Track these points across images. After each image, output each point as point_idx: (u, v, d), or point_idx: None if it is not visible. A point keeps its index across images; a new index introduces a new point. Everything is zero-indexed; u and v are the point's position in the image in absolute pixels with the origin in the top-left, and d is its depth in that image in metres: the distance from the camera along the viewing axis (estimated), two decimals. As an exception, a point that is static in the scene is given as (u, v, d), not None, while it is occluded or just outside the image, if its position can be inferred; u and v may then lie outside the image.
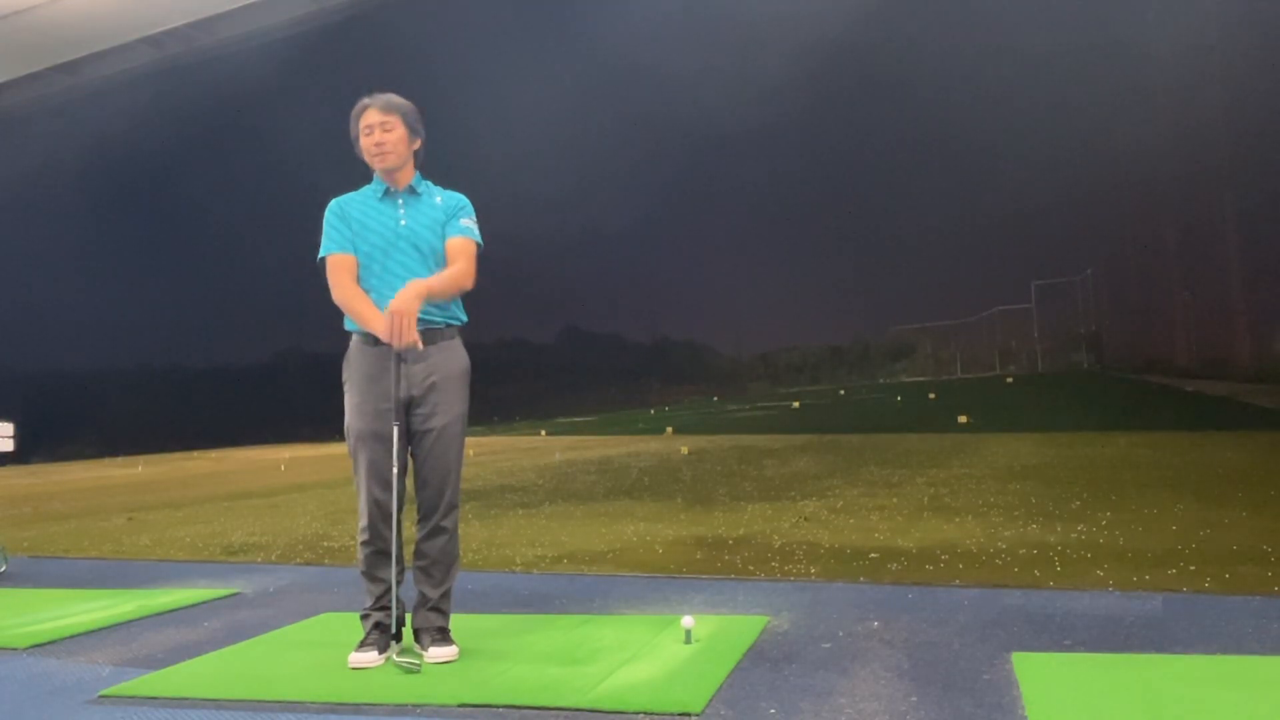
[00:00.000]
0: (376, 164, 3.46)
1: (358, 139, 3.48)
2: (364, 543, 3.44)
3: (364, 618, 3.48)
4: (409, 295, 3.24)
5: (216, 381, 43.96)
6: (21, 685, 3.41)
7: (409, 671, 3.21)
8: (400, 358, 3.33)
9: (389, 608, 3.46)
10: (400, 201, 3.50)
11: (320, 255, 3.45)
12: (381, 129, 3.42)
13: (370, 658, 3.34)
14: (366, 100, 3.47)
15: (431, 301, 3.34)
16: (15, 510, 11.47)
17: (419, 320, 3.27)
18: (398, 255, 3.43)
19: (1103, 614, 3.55)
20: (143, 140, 36.10)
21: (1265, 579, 3.96)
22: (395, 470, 3.33)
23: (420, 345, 3.28)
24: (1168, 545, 4.76)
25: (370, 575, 3.46)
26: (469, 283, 3.47)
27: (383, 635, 3.42)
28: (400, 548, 3.49)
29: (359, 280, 3.44)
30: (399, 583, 3.50)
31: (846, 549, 5.19)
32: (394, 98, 3.49)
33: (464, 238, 3.50)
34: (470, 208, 3.57)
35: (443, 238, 3.49)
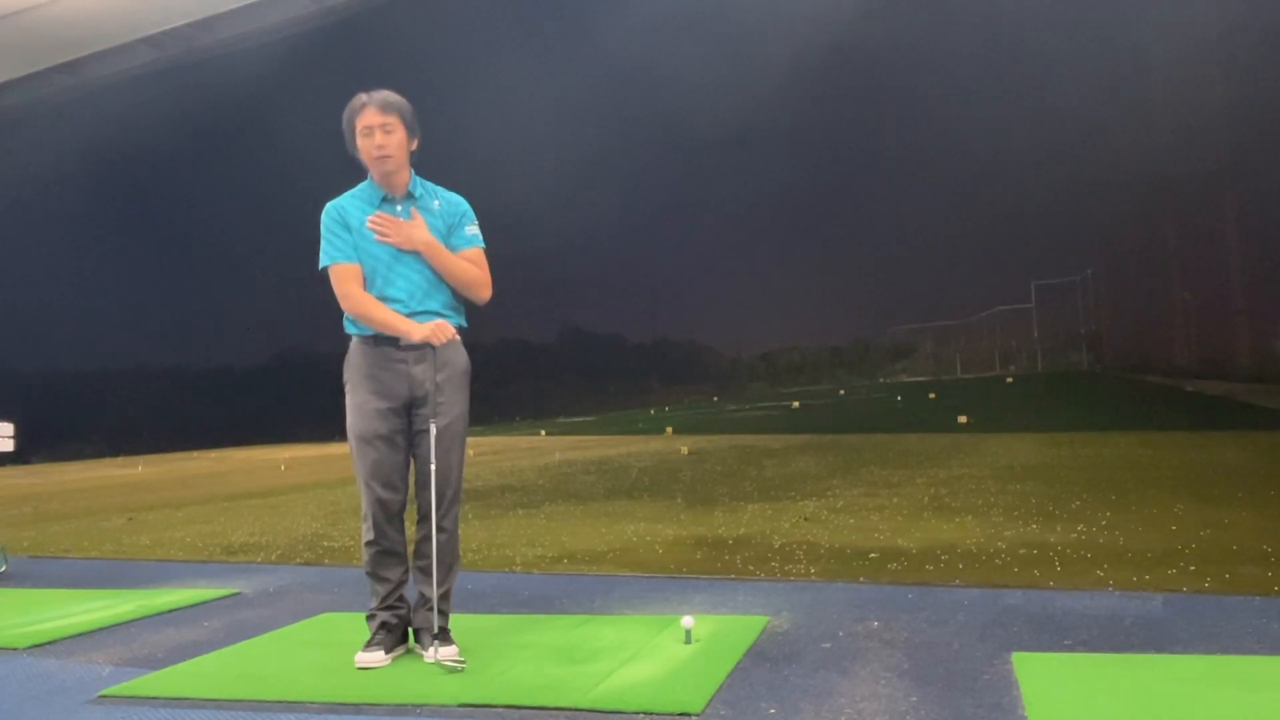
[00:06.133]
0: (378, 167, 3.43)
1: (353, 137, 3.43)
2: (369, 543, 3.44)
3: (370, 618, 3.47)
4: (429, 244, 3.41)
5: (216, 381, 43.99)
6: (21, 685, 3.41)
7: (454, 671, 3.20)
8: (434, 350, 3.37)
9: (395, 607, 3.47)
10: (399, 210, 3.46)
11: (323, 264, 3.43)
12: (382, 131, 3.38)
13: (377, 657, 3.34)
14: (364, 98, 3.42)
15: (440, 268, 3.43)
16: (15, 510, 11.46)
17: (431, 314, 3.43)
18: (399, 267, 3.42)
19: (1103, 614, 3.55)
20: (143, 140, 36.09)
21: (1265, 579, 3.96)
22: (433, 466, 3.36)
23: (458, 335, 3.44)
24: (1168, 545, 4.76)
25: (376, 575, 3.46)
26: (485, 291, 3.54)
27: (389, 635, 3.42)
28: (405, 546, 3.50)
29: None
30: (404, 582, 3.51)
31: (846, 549, 5.19)
32: (391, 96, 3.44)
33: (476, 249, 3.54)
34: (471, 212, 3.58)
35: (445, 245, 3.48)
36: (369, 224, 3.38)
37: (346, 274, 3.40)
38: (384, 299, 3.39)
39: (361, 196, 3.50)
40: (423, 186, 3.55)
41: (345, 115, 3.43)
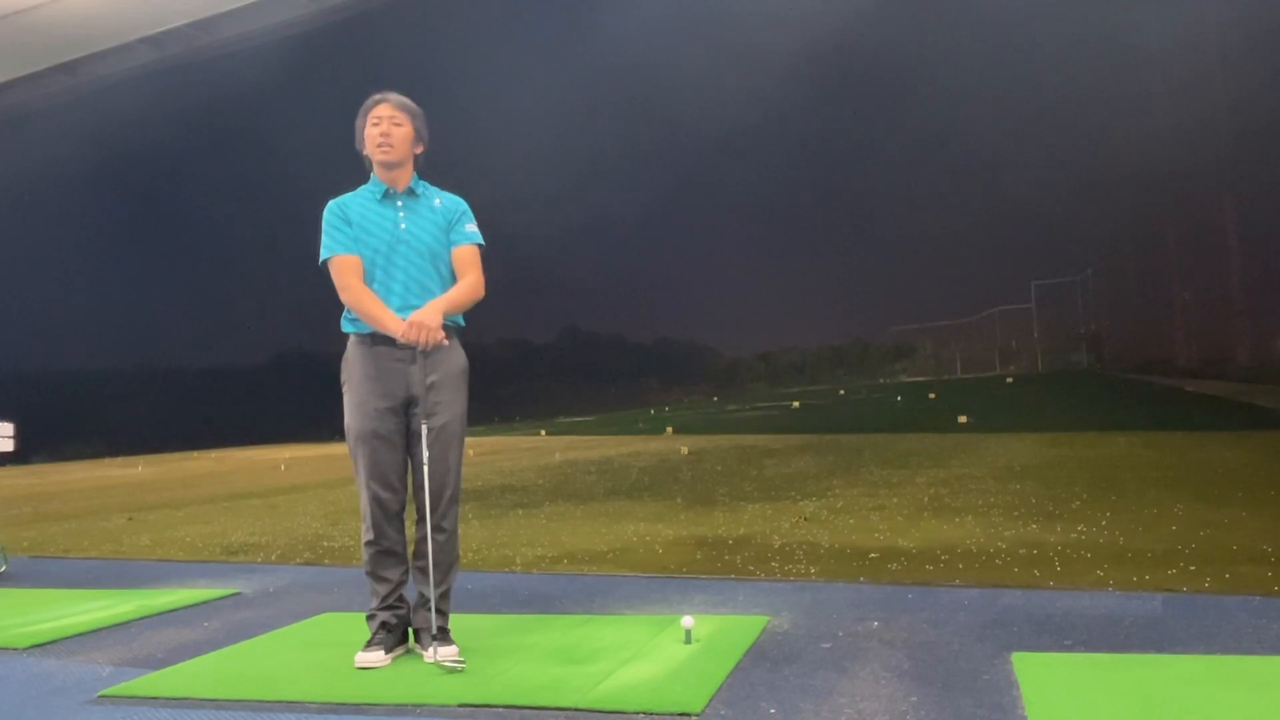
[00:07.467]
0: (378, 155, 3.46)
1: (363, 130, 3.49)
2: (368, 543, 3.44)
3: (370, 618, 3.48)
4: (432, 310, 3.33)
5: (216, 381, 43.96)
6: (21, 685, 3.41)
7: (454, 671, 3.20)
8: (423, 354, 3.36)
9: (395, 607, 3.47)
10: (400, 204, 3.50)
11: (324, 257, 3.44)
12: (390, 122, 3.45)
13: (377, 657, 3.34)
14: (378, 95, 3.49)
15: (448, 315, 3.42)
16: (15, 510, 11.46)
17: None
18: (398, 259, 3.44)
19: (1103, 614, 3.55)
20: (143, 140, 36.13)
21: (1265, 579, 3.96)
22: (427, 469, 3.35)
23: (446, 341, 3.38)
24: (1168, 545, 4.76)
25: (375, 575, 3.46)
26: (481, 292, 3.54)
27: (389, 635, 3.43)
28: (405, 546, 3.50)
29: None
30: (403, 582, 3.51)
31: (846, 549, 5.19)
32: (406, 99, 3.52)
33: (471, 245, 3.55)
34: (470, 212, 3.61)
35: (444, 241, 3.51)
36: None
37: (346, 266, 3.41)
38: (383, 292, 3.41)
39: (362, 194, 3.55)
40: (423, 187, 3.58)
41: (360, 111, 3.50)
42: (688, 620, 3.44)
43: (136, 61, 16.90)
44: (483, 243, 3.58)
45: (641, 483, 9.50)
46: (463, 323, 3.59)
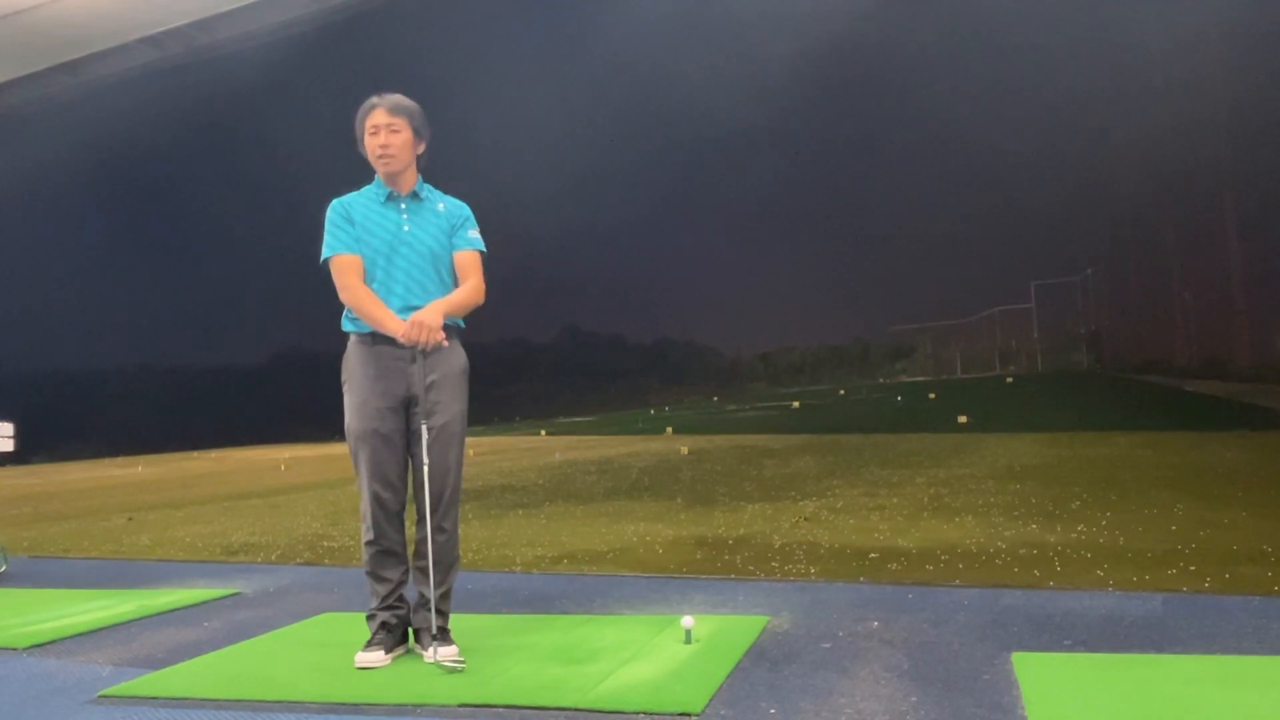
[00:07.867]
0: (380, 166, 3.46)
1: (362, 137, 3.48)
2: (369, 542, 3.44)
3: (370, 618, 3.48)
4: (434, 311, 3.34)
5: (216, 381, 44.01)
6: (21, 685, 3.41)
7: (454, 671, 3.20)
8: (423, 353, 3.36)
9: (395, 607, 3.47)
10: (403, 206, 3.50)
11: (325, 256, 3.45)
12: (388, 130, 3.43)
13: (377, 657, 3.34)
14: (374, 99, 3.47)
15: (449, 317, 3.42)
16: (15, 510, 11.47)
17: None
18: (400, 261, 3.43)
19: (1103, 614, 3.55)
20: (143, 140, 36.15)
21: (1265, 579, 3.96)
22: (427, 469, 3.35)
23: (446, 342, 3.38)
24: (1168, 545, 4.76)
25: (376, 575, 3.46)
26: (482, 297, 3.55)
27: (389, 635, 3.43)
28: (405, 546, 3.51)
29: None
30: (404, 582, 3.51)
31: (846, 549, 5.19)
32: (402, 99, 3.49)
33: (473, 251, 3.55)
34: (473, 217, 3.61)
35: (446, 245, 3.51)
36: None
37: (347, 265, 3.41)
38: (384, 292, 3.41)
39: (366, 194, 3.55)
40: (427, 190, 3.58)
41: (357, 115, 3.49)
42: (688, 620, 3.44)
43: (136, 61, 16.89)
44: (484, 250, 3.59)
45: (641, 483, 9.50)
46: (463, 324, 3.59)
